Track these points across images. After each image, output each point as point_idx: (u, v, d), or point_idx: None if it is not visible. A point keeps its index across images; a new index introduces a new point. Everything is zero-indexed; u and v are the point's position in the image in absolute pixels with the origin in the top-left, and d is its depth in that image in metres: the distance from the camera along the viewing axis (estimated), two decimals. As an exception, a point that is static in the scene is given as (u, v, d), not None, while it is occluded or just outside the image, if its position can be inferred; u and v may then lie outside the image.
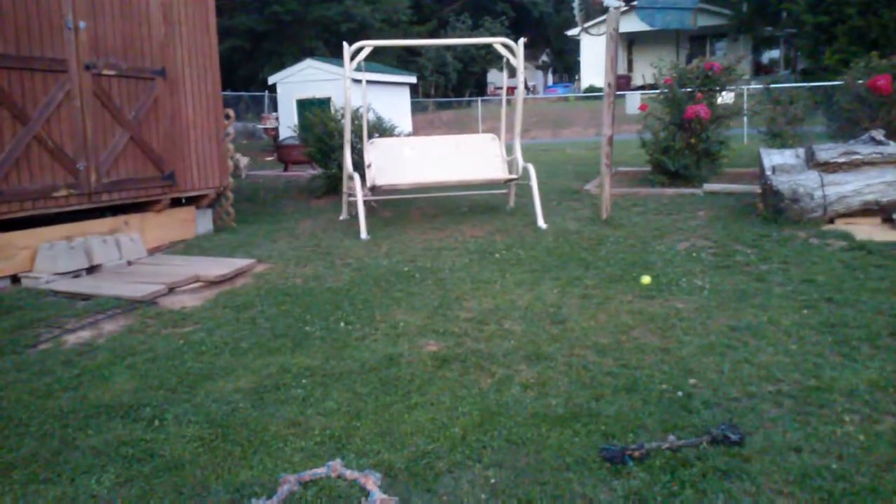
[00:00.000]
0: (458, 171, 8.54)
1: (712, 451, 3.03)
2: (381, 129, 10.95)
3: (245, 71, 32.00)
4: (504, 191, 9.62)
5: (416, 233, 8.02)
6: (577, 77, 42.94)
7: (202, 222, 8.42)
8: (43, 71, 6.19)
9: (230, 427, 3.38)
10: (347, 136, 8.61)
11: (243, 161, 11.81)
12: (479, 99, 28.73)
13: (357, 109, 9.96)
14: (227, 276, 6.17)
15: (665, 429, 3.25)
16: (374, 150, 8.71)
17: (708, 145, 11.09)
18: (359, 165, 8.86)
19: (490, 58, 42.49)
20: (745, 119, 16.11)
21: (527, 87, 45.32)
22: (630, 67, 36.39)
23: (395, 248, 7.23)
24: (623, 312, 4.95)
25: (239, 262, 6.54)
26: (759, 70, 33.64)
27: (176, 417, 3.49)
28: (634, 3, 7.61)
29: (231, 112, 8.69)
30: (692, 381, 3.78)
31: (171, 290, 5.82)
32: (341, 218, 9.04)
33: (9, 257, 6.04)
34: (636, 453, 3.02)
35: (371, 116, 11.37)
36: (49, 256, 6.19)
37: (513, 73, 8.76)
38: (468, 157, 8.80)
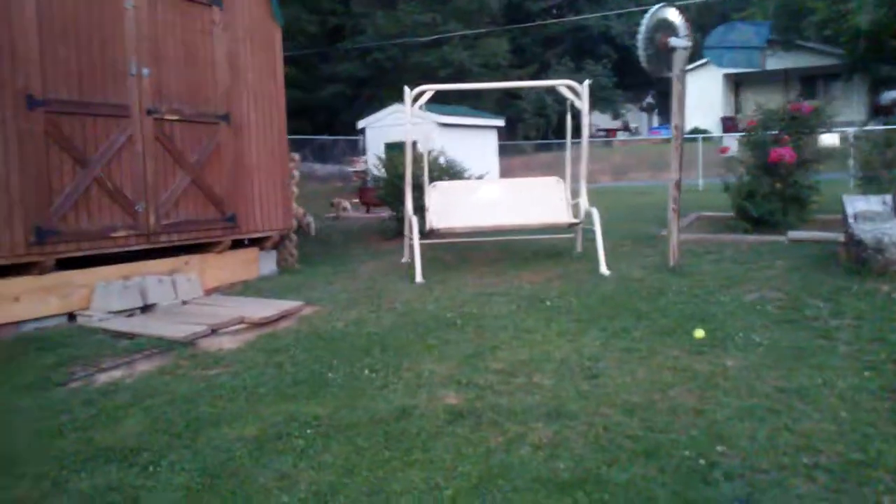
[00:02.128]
0: (520, 214, 8.36)
1: (722, 531, 2.71)
2: (451, 173, 10.90)
3: (347, 116, 32.90)
4: (572, 235, 9.35)
5: (473, 277, 7.85)
6: (680, 119, 42.29)
7: (266, 263, 8.53)
8: (105, 116, 6.44)
9: (220, 477, 3.29)
10: (408, 178, 8.60)
11: (309, 219, 11.83)
12: (571, 141, 28.47)
13: (429, 153, 9.97)
14: (271, 318, 6.17)
15: (676, 502, 2.94)
16: (435, 193, 8.65)
17: (796, 190, 10.51)
18: (422, 208, 8.82)
19: (593, 100, 42.21)
20: (852, 163, 15.25)
21: (628, 129, 44.78)
22: (738, 109, 35.39)
23: (447, 293, 7.08)
24: (665, 369, 4.62)
25: (286, 305, 6.54)
26: (879, 111, 31.98)
27: (171, 464, 3.43)
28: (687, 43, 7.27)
29: (296, 156, 8.83)
30: (720, 448, 3.44)
31: (213, 331, 5.86)
32: (403, 261, 8.99)
33: (66, 295, 6.24)
34: (634, 530, 2.74)
35: (443, 160, 11.38)
36: (104, 295, 6.36)
37: (577, 115, 8.56)
38: (531, 200, 8.62)
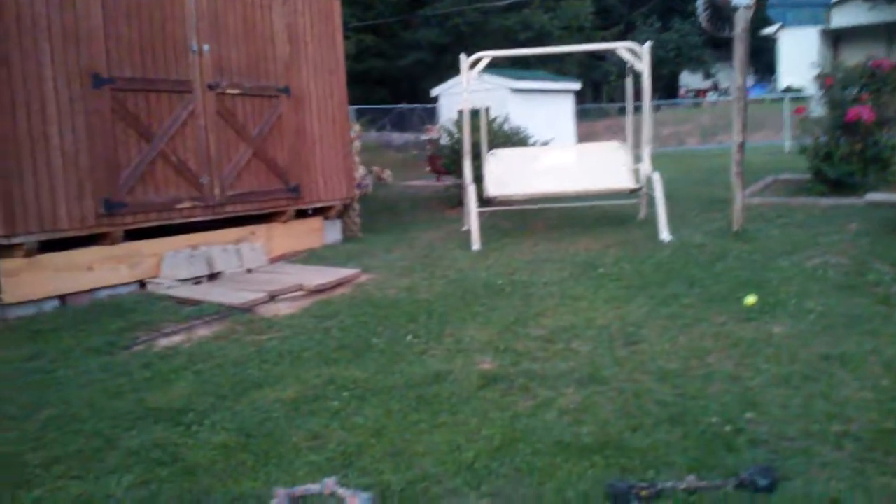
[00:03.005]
0: (578, 181, 8.29)
1: (735, 496, 2.71)
2: (514, 140, 10.85)
3: (427, 83, 32.95)
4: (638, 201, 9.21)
5: (530, 245, 7.86)
6: (773, 77, 40.54)
7: (330, 232, 8.74)
8: (168, 92, 6.70)
9: (255, 436, 3.47)
10: (466, 147, 8.62)
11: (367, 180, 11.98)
12: (659, 102, 27.84)
13: (491, 120, 9.91)
14: (327, 285, 6.36)
15: (695, 467, 2.95)
16: (494, 161, 8.65)
17: (877, 150, 10.03)
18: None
19: (680, 59, 40.93)
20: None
21: (716, 89, 43.22)
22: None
23: (501, 260, 7.12)
24: (707, 336, 4.56)
25: (343, 272, 6.71)
26: None
27: (212, 424, 3.63)
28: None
29: (357, 126, 8.97)
30: (749, 415, 3.40)
31: (272, 297, 6.08)
32: (462, 229, 9.04)
33: (136, 264, 6.58)
34: (644, 492, 2.76)
35: (508, 126, 11.33)
36: (172, 264, 6.68)
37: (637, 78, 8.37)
38: (591, 166, 8.52)
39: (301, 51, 8.05)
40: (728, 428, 3.27)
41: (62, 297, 6.08)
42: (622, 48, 8.24)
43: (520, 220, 9.66)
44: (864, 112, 9.71)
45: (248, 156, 7.44)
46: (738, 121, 7.43)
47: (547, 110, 21.66)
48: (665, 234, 7.66)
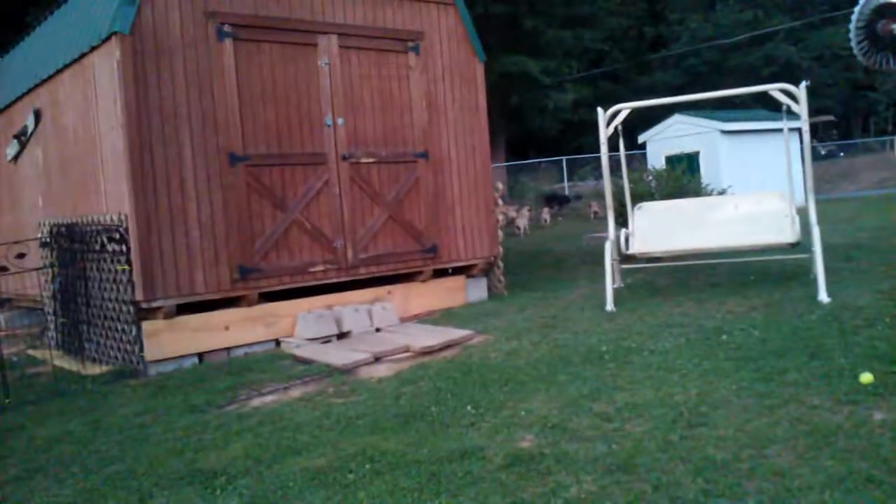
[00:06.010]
0: (730, 235, 7.65)
1: None
2: (678, 189, 10.30)
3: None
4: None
5: (671, 306, 7.37)
6: None
7: (474, 290, 8.82)
8: (303, 165, 7.23)
9: (260, 505, 3.59)
10: (609, 200, 8.32)
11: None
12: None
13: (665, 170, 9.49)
14: (435, 347, 6.43)
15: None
16: (640, 215, 8.26)
17: None
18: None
19: None
20: None
21: None
22: None
23: (626, 324, 6.75)
24: (786, 421, 4.00)
25: (456, 334, 6.75)
26: None
27: (235, 488, 3.81)
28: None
29: (500, 185, 9.02)
30: (768, 524, 2.93)
31: (377, 359, 6.26)
32: (615, 286, 8.68)
33: (272, 324, 7.10)
34: None
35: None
36: (303, 323, 7.12)
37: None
38: (747, 218, 7.83)
39: (440, 116, 8.32)
40: (732, 538, 2.85)
41: (200, 355, 6.72)
42: (775, 90, 7.54)
43: (681, 276, 9.12)
44: None
45: (382, 219, 7.79)
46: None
47: (763, 151, 20.16)
48: (823, 295, 6.83)
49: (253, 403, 5.39)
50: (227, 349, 6.88)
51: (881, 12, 6.40)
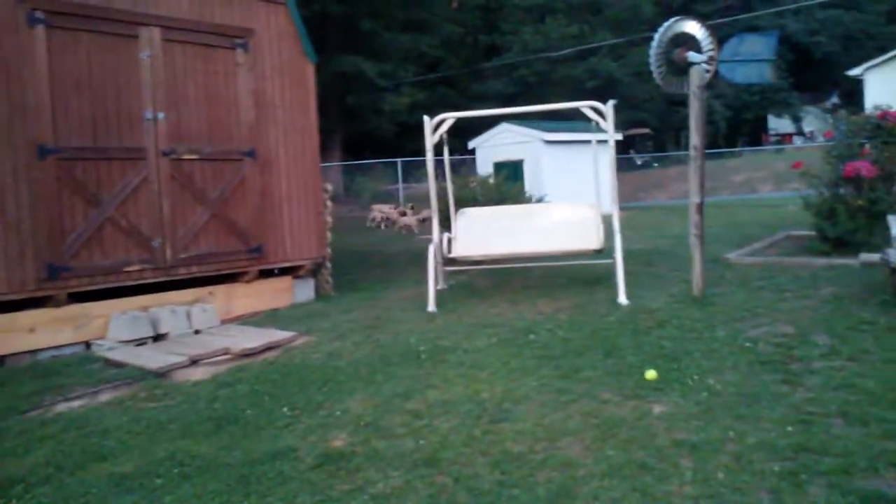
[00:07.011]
0: (541, 241, 8.18)
1: None
2: (501, 195, 10.81)
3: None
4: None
5: (487, 307, 7.76)
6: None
7: (302, 291, 8.83)
8: (120, 159, 6.96)
9: (60, 514, 3.49)
10: (433, 205, 8.62)
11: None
12: (741, 150, 27.61)
13: (487, 177, 9.92)
14: (256, 349, 6.40)
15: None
16: (463, 220, 8.63)
17: (884, 207, 9.54)
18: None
19: (766, 103, 40.11)
20: None
21: (802, 134, 41.93)
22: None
23: (445, 324, 7.04)
24: (579, 414, 4.38)
25: (278, 335, 6.76)
26: None
27: (34, 497, 3.67)
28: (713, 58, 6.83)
29: (329, 186, 9.10)
30: (547, 510, 3.23)
31: (193, 362, 6.15)
32: (438, 287, 8.99)
33: (82, 325, 6.78)
34: None
35: (492, 181, 11.30)
36: (117, 325, 6.85)
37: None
38: (558, 225, 8.39)
39: (269, 115, 8.26)
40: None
41: (2, 359, 6.31)
42: (586, 107, 8.13)
43: (501, 278, 9.58)
44: (864, 167, 9.30)
45: (205, 218, 7.63)
46: (694, 180, 7.21)
47: (582, 161, 21.36)
48: (623, 298, 7.45)
49: (58, 409, 5.15)
50: (33, 352, 6.49)
51: (676, 42, 7.10)
